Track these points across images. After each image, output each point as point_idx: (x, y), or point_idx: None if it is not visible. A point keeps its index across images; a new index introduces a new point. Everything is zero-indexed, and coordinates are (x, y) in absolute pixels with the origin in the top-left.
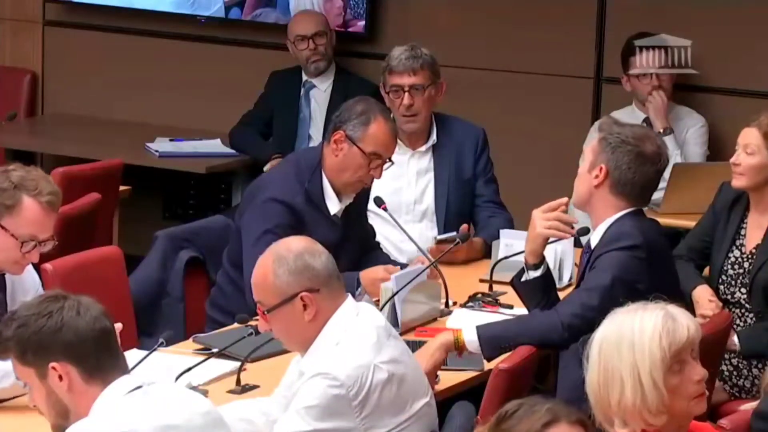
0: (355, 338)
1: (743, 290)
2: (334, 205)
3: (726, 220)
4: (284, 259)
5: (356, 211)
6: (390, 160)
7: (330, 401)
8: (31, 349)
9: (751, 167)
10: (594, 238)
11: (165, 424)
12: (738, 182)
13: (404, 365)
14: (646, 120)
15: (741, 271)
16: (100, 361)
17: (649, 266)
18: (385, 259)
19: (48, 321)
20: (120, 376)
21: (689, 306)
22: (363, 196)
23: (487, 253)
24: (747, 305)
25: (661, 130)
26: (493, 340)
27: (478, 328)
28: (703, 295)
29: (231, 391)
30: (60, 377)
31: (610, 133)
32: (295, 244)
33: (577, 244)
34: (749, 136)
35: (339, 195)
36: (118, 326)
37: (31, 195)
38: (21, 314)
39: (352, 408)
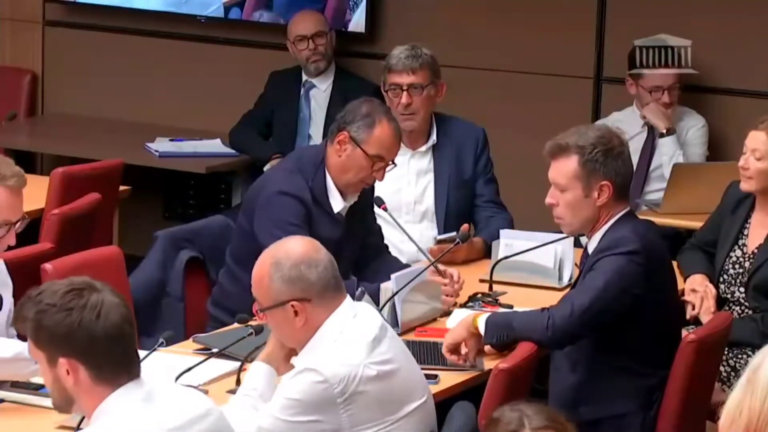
0: (350, 338)
1: (741, 289)
2: (337, 203)
3: (730, 220)
4: (281, 266)
5: (361, 209)
6: (393, 162)
7: (313, 397)
8: (44, 339)
9: (760, 171)
10: (591, 245)
11: (180, 424)
12: (747, 185)
13: (398, 366)
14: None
15: (741, 270)
16: (110, 366)
17: (647, 272)
18: (399, 266)
19: (66, 318)
20: (129, 380)
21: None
22: (368, 194)
23: (487, 253)
24: (746, 304)
25: (664, 131)
26: (494, 326)
27: (492, 313)
28: (688, 284)
29: (231, 391)
30: (67, 371)
31: (584, 153)
32: (295, 249)
33: (577, 244)
34: (757, 140)
35: (342, 194)
36: None
37: None
38: (43, 299)
39: (337, 405)
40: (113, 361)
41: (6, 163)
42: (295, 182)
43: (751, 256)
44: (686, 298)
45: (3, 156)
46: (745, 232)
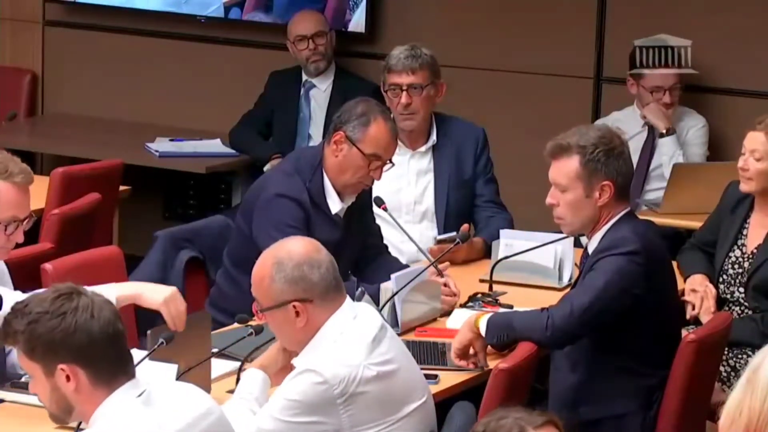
0: (350, 339)
1: (741, 290)
2: (335, 205)
3: (729, 220)
4: (283, 266)
5: (359, 210)
6: (390, 161)
7: (313, 398)
8: (41, 348)
9: (759, 172)
10: (591, 245)
11: (182, 426)
12: (747, 186)
13: (398, 366)
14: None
15: (741, 270)
16: (109, 365)
17: (646, 272)
18: (399, 266)
19: (61, 322)
20: (126, 380)
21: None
22: (366, 194)
23: (487, 253)
24: (745, 304)
25: (664, 131)
26: (494, 326)
27: (493, 314)
28: (688, 284)
29: (231, 391)
30: (68, 377)
31: (586, 153)
32: (297, 250)
33: (577, 244)
34: (756, 141)
35: (340, 195)
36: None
37: (4, 178)
38: (33, 309)
39: (337, 405)
40: (110, 362)
41: (13, 160)
42: (292, 184)
43: (751, 256)
44: (686, 298)
45: (8, 154)
46: (744, 233)
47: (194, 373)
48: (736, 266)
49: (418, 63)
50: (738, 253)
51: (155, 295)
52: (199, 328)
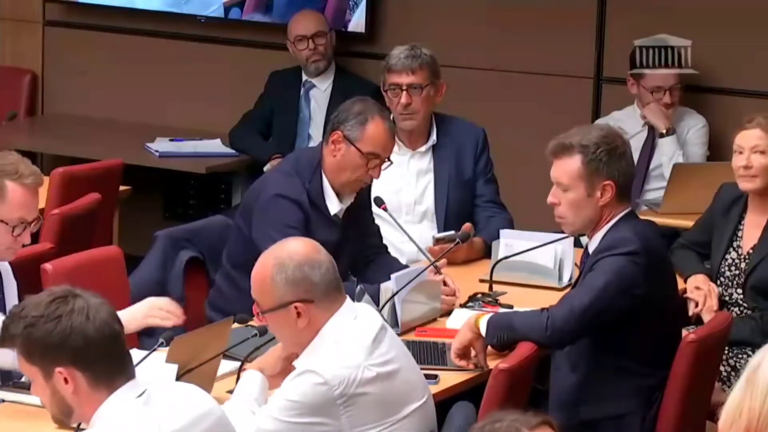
0: (350, 340)
1: (739, 291)
2: (334, 206)
3: (723, 223)
4: (284, 267)
5: (357, 211)
6: (389, 159)
7: (313, 399)
8: (38, 352)
9: (765, 167)
10: (592, 245)
11: (182, 425)
12: (751, 185)
13: (398, 367)
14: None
15: (737, 272)
16: (107, 366)
17: (647, 272)
18: (399, 266)
19: (57, 326)
20: (125, 381)
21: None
22: (365, 195)
23: (487, 253)
24: (744, 304)
25: (664, 131)
26: (494, 327)
27: (493, 314)
28: (691, 282)
29: (231, 391)
30: (66, 380)
31: (588, 152)
32: (297, 250)
33: (577, 244)
34: (753, 137)
35: (339, 195)
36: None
37: (14, 179)
38: (29, 313)
39: (337, 406)
40: (108, 363)
41: (23, 161)
42: (292, 185)
43: (747, 256)
44: (689, 295)
45: (18, 155)
46: (740, 234)
47: (199, 374)
48: (732, 268)
49: (417, 63)
50: (734, 255)
51: (134, 321)
52: (222, 334)
